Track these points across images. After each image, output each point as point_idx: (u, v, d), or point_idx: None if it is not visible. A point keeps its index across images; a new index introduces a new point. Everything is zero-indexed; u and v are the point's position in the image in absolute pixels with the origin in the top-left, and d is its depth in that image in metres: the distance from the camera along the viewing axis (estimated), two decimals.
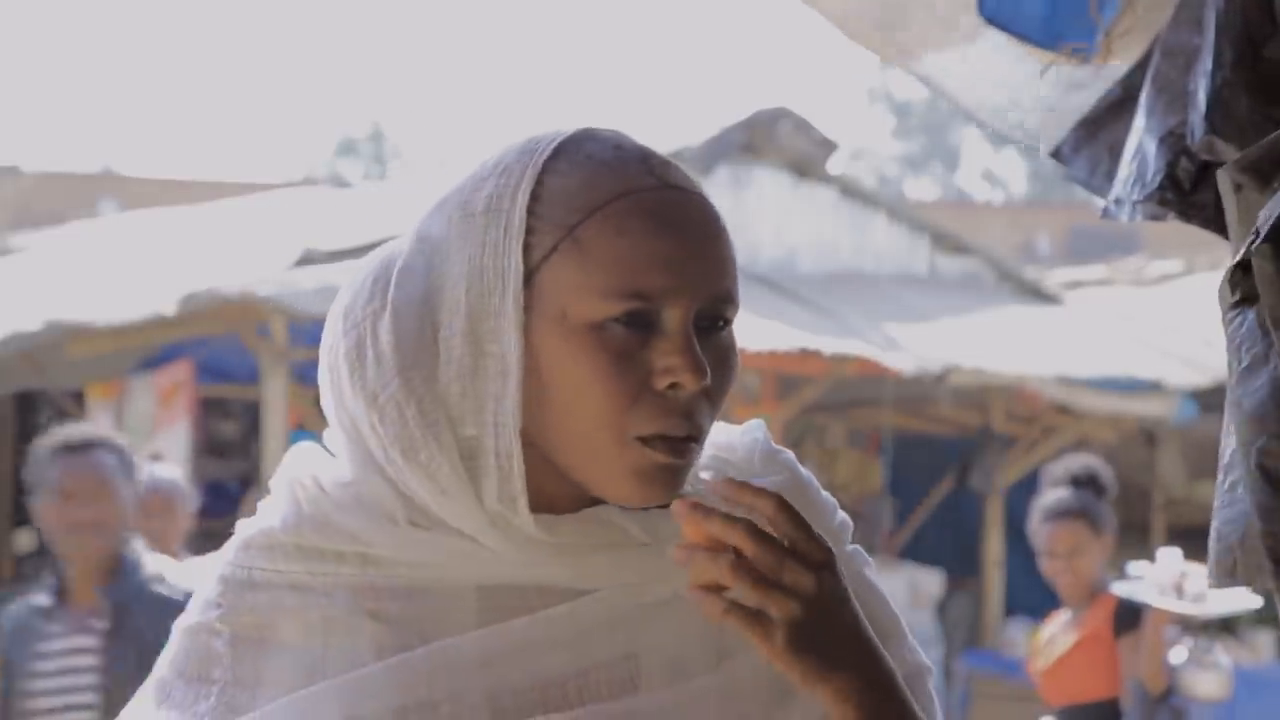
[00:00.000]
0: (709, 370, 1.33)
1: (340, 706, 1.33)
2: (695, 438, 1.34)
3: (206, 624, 1.40)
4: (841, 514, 1.46)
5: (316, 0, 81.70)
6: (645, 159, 1.36)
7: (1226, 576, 1.81)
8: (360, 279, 1.42)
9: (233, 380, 9.98)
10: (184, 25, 74.99)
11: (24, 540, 13.12)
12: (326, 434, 1.44)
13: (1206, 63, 1.93)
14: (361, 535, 1.37)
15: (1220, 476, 1.85)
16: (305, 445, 1.45)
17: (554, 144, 1.37)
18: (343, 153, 42.72)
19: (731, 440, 1.48)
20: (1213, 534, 1.84)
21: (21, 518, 13.34)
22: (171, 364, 9.79)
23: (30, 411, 13.25)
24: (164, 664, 1.43)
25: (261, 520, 1.43)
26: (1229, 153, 1.88)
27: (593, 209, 1.33)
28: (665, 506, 1.37)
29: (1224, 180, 1.82)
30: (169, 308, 9.15)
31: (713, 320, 1.35)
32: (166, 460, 7.11)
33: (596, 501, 1.37)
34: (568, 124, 1.40)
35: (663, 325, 1.33)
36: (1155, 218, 2.03)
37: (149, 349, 10.08)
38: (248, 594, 1.39)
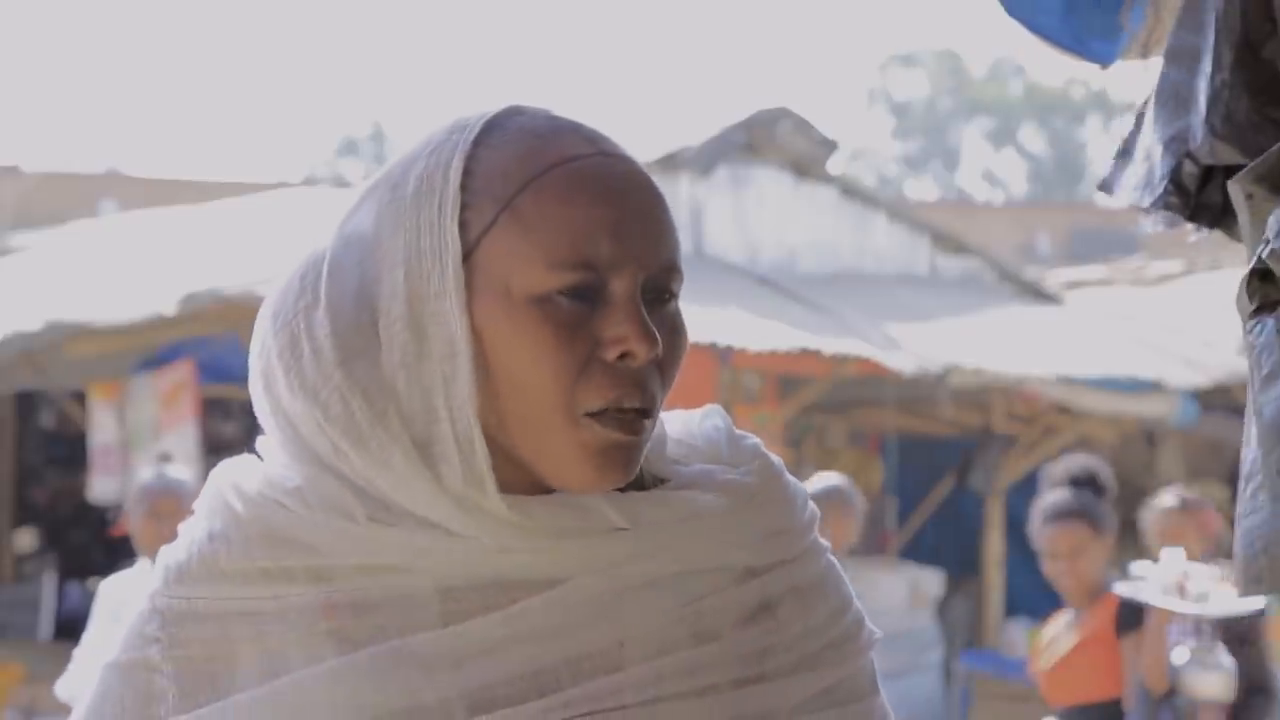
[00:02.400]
0: (660, 341, 1.28)
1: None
2: (648, 411, 1.29)
3: (144, 660, 1.33)
4: (811, 506, 1.43)
5: (316, 0, 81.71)
6: (578, 129, 1.32)
7: (1254, 583, 1.80)
8: (287, 280, 1.35)
9: (233, 380, 9.97)
10: (184, 25, 74.98)
11: (24, 540, 13.12)
12: (259, 442, 1.37)
13: (1206, 64, 1.93)
14: (317, 543, 1.30)
15: (1241, 485, 1.84)
16: (231, 459, 1.38)
17: (483, 120, 1.32)
18: (344, 153, 42.73)
19: (690, 428, 1.44)
20: (1237, 541, 1.83)
21: (22, 518, 13.36)
22: (173, 364, 9.79)
23: (30, 411, 13.27)
24: (86, 711, 1.36)
25: (194, 544, 1.35)
26: (1230, 156, 1.88)
27: (530, 179, 1.28)
28: (638, 488, 1.35)
29: (1235, 191, 1.82)
30: (169, 308, 9.15)
31: (659, 292, 1.30)
32: (176, 461, 7.09)
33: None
34: (495, 104, 1.35)
35: (610, 295, 1.28)
36: (1171, 224, 2.03)
37: (149, 349, 10.08)
38: (191, 626, 1.32)
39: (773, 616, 1.36)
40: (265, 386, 1.34)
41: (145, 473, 6.09)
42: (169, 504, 5.69)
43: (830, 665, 1.37)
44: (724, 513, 1.35)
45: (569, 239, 1.26)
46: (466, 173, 1.30)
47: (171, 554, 1.36)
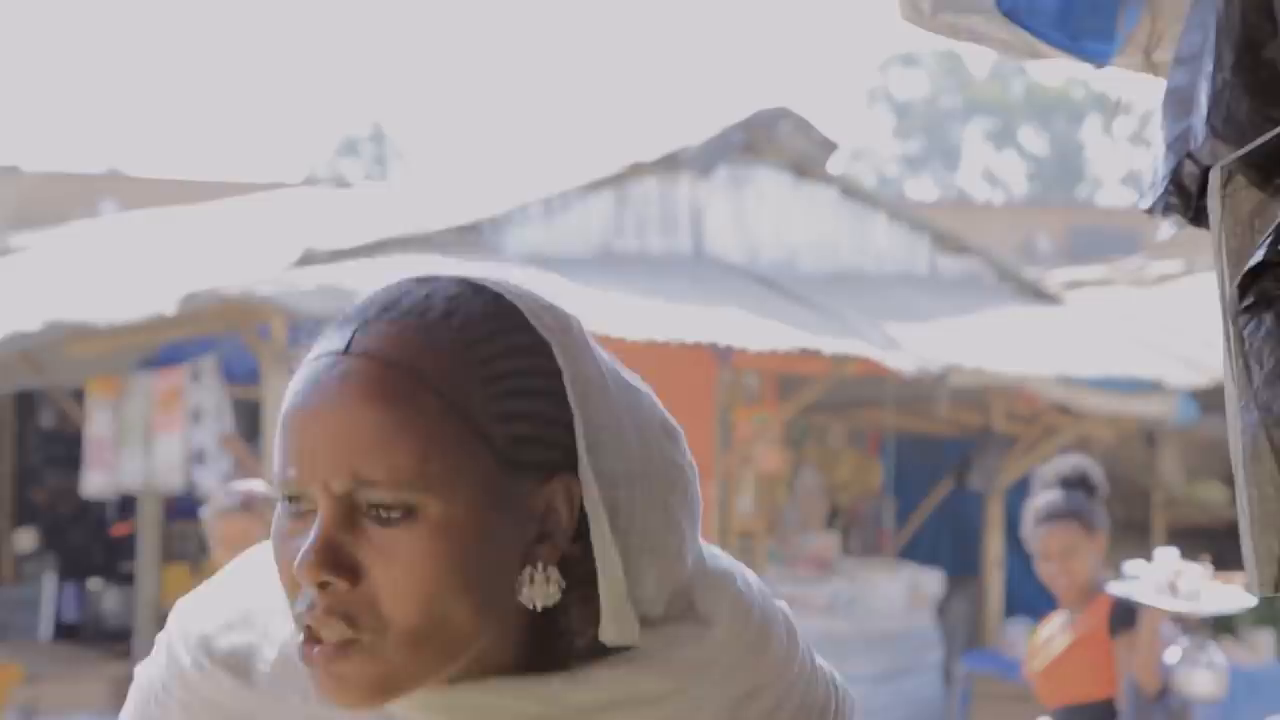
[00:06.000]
0: (323, 568, 1.17)
1: None
2: (353, 642, 1.18)
3: (160, 697, 1.35)
4: (791, 630, 1.33)
5: (316, 0, 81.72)
6: (345, 325, 1.22)
7: (1273, 582, 1.79)
8: None
9: (233, 380, 9.99)
10: (185, 25, 75.01)
11: (24, 540, 13.12)
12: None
13: (1207, 65, 1.93)
14: None
15: (1239, 480, 1.83)
16: (198, 595, 1.36)
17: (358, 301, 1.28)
18: (344, 153, 42.72)
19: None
20: (1246, 539, 1.82)
21: (22, 518, 13.36)
22: (171, 368, 9.81)
23: (30, 411, 13.27)
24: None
25: (141, 704, 1.36)
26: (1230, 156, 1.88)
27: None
28: (600, 653, 1.25)
29: (1214, 177, 1.82)
30: (169, 308, 9.15)
31: (382, 510, 1.18)
32: (165, 467, 7.10)
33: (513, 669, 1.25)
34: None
35: (315, 509, 1.20)
36: (1177, 227, 2.02)
37: (149, 349, 10.09)
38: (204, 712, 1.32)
39: None
40: None
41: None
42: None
43: None
44: (667, 695, 1.24)
45: (278, 449, 1.21)
46: None
47: (142, 680, 1.36)
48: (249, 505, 5.63)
